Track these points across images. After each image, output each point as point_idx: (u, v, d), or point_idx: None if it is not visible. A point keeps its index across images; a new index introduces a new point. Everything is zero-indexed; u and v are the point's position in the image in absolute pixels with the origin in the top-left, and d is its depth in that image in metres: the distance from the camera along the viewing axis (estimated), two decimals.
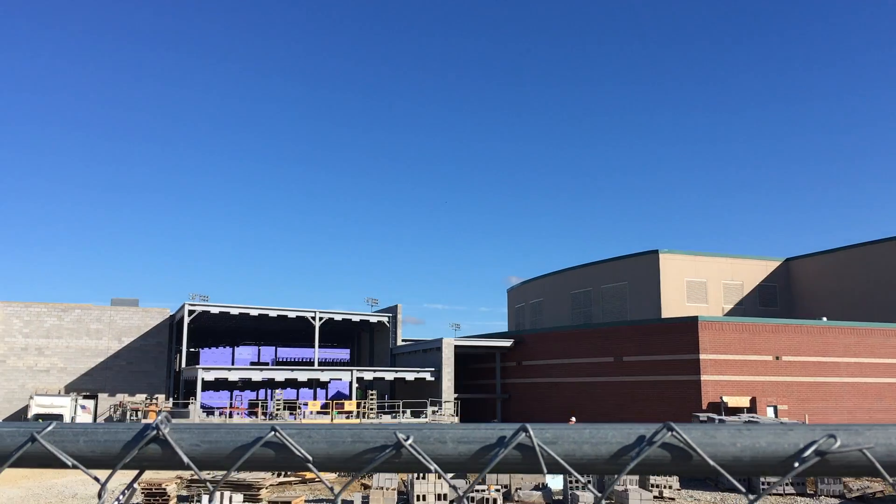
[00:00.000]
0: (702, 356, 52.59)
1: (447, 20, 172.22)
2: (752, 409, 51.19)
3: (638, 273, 67.62)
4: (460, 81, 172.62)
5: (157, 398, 60.60)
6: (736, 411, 48.61)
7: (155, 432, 1.34)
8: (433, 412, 57.02)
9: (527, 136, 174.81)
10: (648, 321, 58.45)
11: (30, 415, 54.80)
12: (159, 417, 1.37)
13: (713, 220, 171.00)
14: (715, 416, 40.56)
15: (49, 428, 1.37)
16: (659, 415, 52.94)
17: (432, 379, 60.39)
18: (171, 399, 61.42)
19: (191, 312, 59.51)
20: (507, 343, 63.59)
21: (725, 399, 51.32)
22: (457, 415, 58.38)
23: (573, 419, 51.13)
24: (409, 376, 60.79)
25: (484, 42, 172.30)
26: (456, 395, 59.92)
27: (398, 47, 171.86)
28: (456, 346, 61.63)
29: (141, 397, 61.19)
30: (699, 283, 67.02)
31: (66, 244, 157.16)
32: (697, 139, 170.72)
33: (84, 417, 58.73)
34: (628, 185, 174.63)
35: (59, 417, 54.76)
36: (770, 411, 52.25)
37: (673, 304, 64.54)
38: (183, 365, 62.96)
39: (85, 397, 60.60)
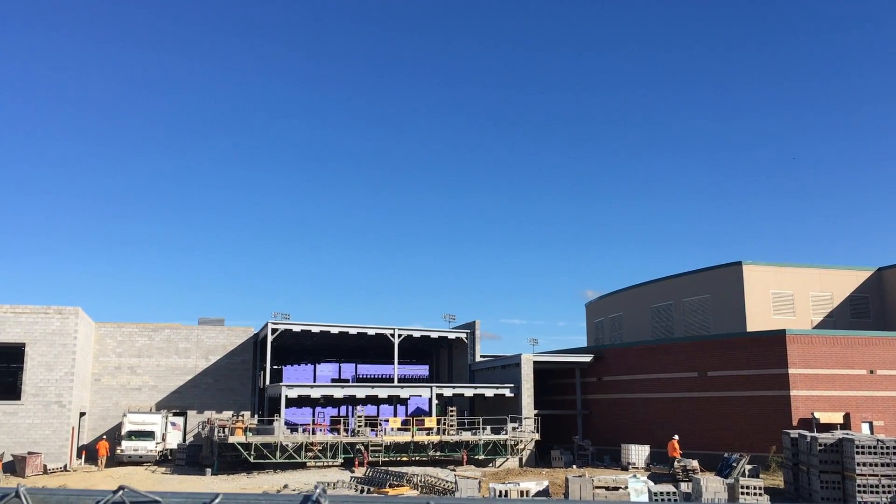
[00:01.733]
0: (790, 371, 50.95)
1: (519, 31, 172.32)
2: (846, 425, 49.26)
3: (721, 285, 66.00)
4: (524, 91, 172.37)
5: (242, 415, 62.07)
6: (829, 428, 46.83)
7: None
8: (513, 428, 56.72)
9: (598, 146, 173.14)
10: (733, 335, 56.97)
11: (123, 431, 56.84)
12: (317, 491, 1.45)
13: (798, 230, 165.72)
14: (806, 432, 39.15)
15: (217, 500, 1.47)
16: (746, 431, 51.49)
17: (512, 395, 60.13)
18: (256, 416, 62.82)
19: (274, 331, 60.85)
20: (587, 358, 62.87)
21: (817, 415, 49.56)
22: (537, 431, 57.94)
23: (675, 439, 49.79)
24: (489, 392, 60.68)
25: (536, 50, 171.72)
26: (536, 412, 59.49)
27: (460, 61, 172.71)
28: (535, 362, 61.27)
29: (228, 414, 62.78)
30: (786, 296, 64.98)
31: (156, 266, 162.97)
32: (780, 145, 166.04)
33: (174, 434, 60.62)
34: (708, 195, 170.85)
35: (150, 434, 56.71)
36: (865, 427, 50.21)
37: (758, 318, 62.74)
38: (267, 382, 64.35)
39: (175, 414, 62.55)
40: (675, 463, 47.33)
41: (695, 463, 47.06)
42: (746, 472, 42.37)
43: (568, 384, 64.67)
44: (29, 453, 49.96)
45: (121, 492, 1.47)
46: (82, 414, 59.56)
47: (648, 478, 42.01)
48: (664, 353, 58.40)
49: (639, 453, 53.76)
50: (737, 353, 53.83)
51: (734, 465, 43.42)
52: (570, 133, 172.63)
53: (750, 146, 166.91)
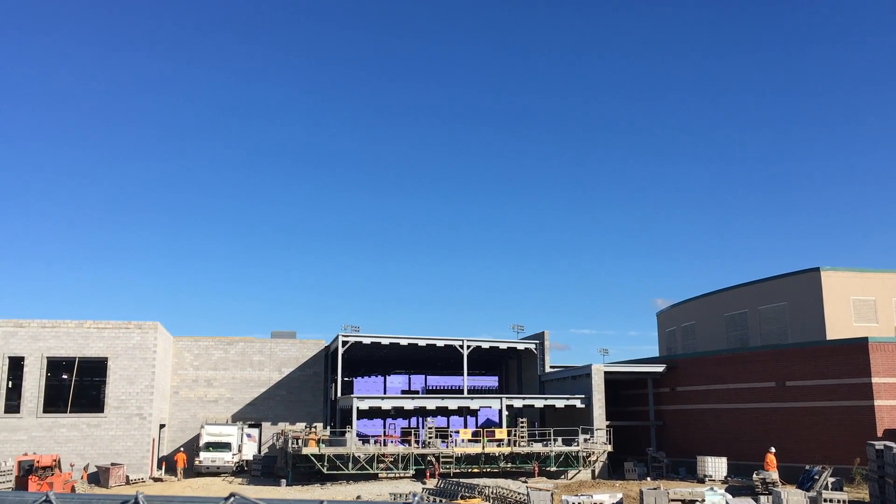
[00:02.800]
0: (874, 380, 49.11)
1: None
2: None
3: (798, 292, 64.07)
4: (572, 94, 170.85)
5: (315, 426, 62.94)
6: None
7: None
8: (585, 440, 56.09)
9: (665, 154, 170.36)
10: (812, 343, 55.23)
11: (201, 443, 58.26)
12: (416, 499, 1.52)
13: (879, 234, 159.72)
14: (893, 444, 37.63)
15: None
16: (828, 443, 49.79)
17: (583, 406, 59.52)
18: (328, 427, 63.64)
19: (344, 343, 61.64)
20: (659, 368, 61.80)
21: None
22: (609, 442, 57.15)
23: (772, 452, 48.23)
24: (559, 403, 60.17)
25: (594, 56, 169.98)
26: (608, 423, 58.71)
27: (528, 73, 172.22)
28: (606, 372, 60.55)
29: (301, 426, 63.77)
30: (867, 302, 62.68)
31: (229, 280, 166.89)
32: (858, 148, 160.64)
33: (250, 445, 61.87)
34: (782, 199, 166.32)
35: (227, 445, 57.99)
36: None
37: (839, 325, 60.65)
38: (338, 394, 65.14)
39: (250, 426, 63.85)
40: (755, 475, 46.02)
41: (775, 475, 45.70)
42: (829, 485, 40.95)
43: (640, 395, 63.65)
44: (112, 464, 51.65)
45: (232, 498, 1.54)
46: (162, 426, 61.29)
47: (726, 490, 40.96)
48: (740, 363, 56.98)
49: (716, 465, 52.48)
50: (817, 362, 52.17)
51: (816, 477, 42.02)
52: (631, 141, 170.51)
53: (826, 150, 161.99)
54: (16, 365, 54.17)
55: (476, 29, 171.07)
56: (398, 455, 52.43)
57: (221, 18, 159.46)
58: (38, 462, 46.03)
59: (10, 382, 54.46)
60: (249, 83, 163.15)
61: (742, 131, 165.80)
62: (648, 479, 53.16)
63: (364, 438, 57.58)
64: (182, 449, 59.80)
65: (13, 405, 53.75)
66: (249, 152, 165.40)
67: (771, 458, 47.48)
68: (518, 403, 60.52)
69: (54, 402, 54.99)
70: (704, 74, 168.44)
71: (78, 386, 55.71)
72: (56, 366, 55.72)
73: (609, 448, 56.63)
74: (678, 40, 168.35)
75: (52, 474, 45.44)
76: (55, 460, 47.46)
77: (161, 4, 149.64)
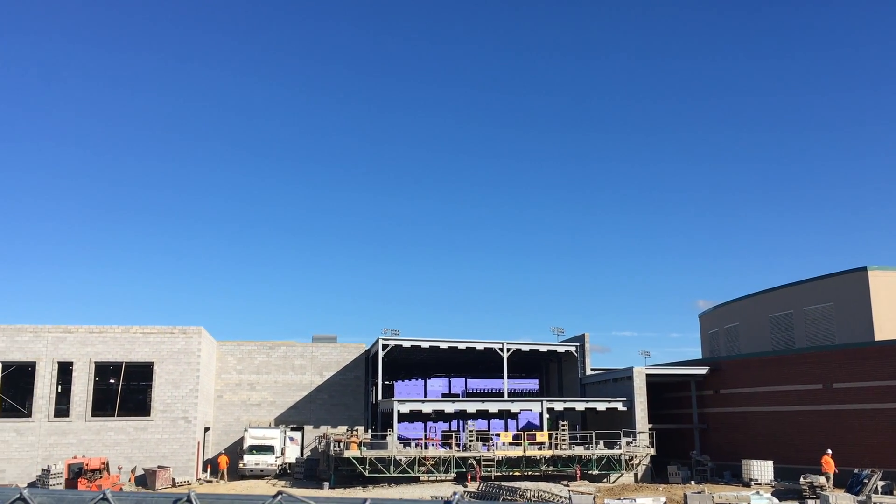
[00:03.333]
0: None
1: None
2: None
3: (845, 293, 62.81)
4: (627, 95, 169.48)
5: (357, 430, 63.33)
6: None
7: None
8: (627, 443, 55.61)
9: (705, 153, 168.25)
10: (860, 344, 54.10)
11: (245, 446, 58.96)
12: (456, 497, 1.57)
13: None
14: None
15: None
16: (877, 446, 48.71)
17: (624, 409, 59.02)
18: (369, 431, 63.99)
19: (384, 347, 61.92)
20: (702, 371, 61.04)
21: None
22: (652, 446, 56.58)
23: (829, 454, 47.34)
24: (601, 406, 59.74)
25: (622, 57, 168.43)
26: (650, 426, 58.14)
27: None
28: (647, 375, 59.96)
29: (342, 429, 64.20)
30: None
31: (270, 284, 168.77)
32: None
33: (292, 448, 62.46)
34: (827, 198, 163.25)
35: (270, 449, 58.59)
36: None
37: (887, 325, 59.33)
38: (379, 397, 65.46)
39: (293, 429, 64.46)
40: (802, 479, 45.19)
41: (822, 479, 44.83)
42: (879, 489, 40.07)
43: (683, 397, 62.91)
44: (159, 467, 52.54)
45: (279, 496, 1.60)
46: (207, 429, 62.17)
47: (772, 494, 40.35)
48: (785, 365, 56.04)
49: (761, 469, 51.66)
50: (865, 363, 51.09)
51: (865, 481, 41.12)
52: (671, 141, 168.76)
53: (873, 146, 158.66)
54: (65, 370, 55.42)
55: (476, 29, 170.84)
56: (439, 458, 52.52)
57: (221, 18, 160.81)
58: (87, 465, 47.05)
59: (60, 387, 55.72)
60: (269, 85, 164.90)
61: (785, 130, 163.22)
62: (692, 482, 52.53)
63: (405, 441, 57.79)
64: (224, 452, 60.62)
65: (63, 409, 54.97)
66: (288, 159, 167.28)
67: (828, 460, 46.54)
68: (559, 406, 60.20)
69: (102, 406, 56.13)
70: (742, 74, 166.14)
71: (125, 390, 56.80)
72: (103, 370, 56.87)
73: (652, 451, 56.06)
74: (718, 39, 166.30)
75: (101, 477, 46.41)
76: (104, 463, 48.46)
77: (159, 3, 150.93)
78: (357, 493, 49.07)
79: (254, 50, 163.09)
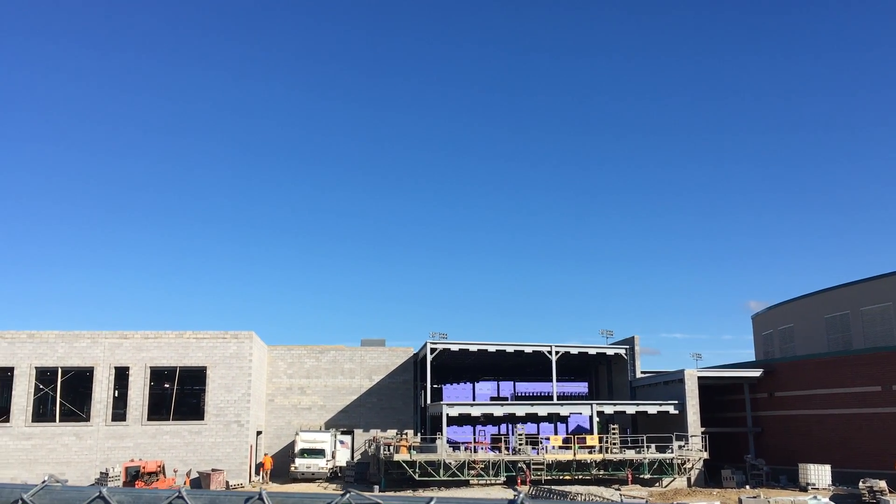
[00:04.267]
0: None
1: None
2: None
3: None
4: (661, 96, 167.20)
5: (406, 433, 63.56)
6: None
7: None
8: (679, 447, 54.82)
9: (759, 152, 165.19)
10: None
11: (296, 449, 59.61)
12: (520, 496, 1.58)
13: None
14: None
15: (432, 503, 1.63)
16: None
17: (676, 412, 58.20)
18: (418, 434, 64.16)
19: (433, 350, 62.07)
20: (756, 373, 59.93)
21: None
22: (705, 449, 55.68)
23: None
24: (652, 409, 59.01)
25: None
26: (703, 429, 57.24)
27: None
28: (699, 377, 59.07)
29: (392, 432, 64.51)
30: None
31: (318, 289, 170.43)
32: None
33: (343, 452, 62.96)
34: (882, 196, 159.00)
35: (321, 452, 59.13)
36: None
37: None
38: (428, 401, 65.65)
39: (343, 433, 64.97)
40: (861, 483, 44.05)
41: (882, 483, 43.63)
42: None
43: (736, 400, 61.81)
44: (213, 470, 53.40)
45: (347, 495, 1.64)
46: (259, 433, 63.00)
47: (830, 499, 39.40)
48: (843, 366, 54.68)
49: (818, 473, 50.47)
50: None
51: None
52: (723, 143, 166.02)
53: None
54: (121, 375, 56.68)
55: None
56: (489, 461, 52.44)
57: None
58: (143, 468, 48.04)
59: (117, 392, 57.01)
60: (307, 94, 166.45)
61: (838, 131, 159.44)
62: (747, 487, 51.59)
63: (454, 445, 57.81)
64: (275, 455, 61.34)
65: (120, 413, 56.23)
66: (340, 167, 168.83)
67: None
68: (609, 410, 59.64)
69: (157, 410, 57.27)
70: (806, 73, 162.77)
71: (179, 394, 57.87)
72: (158, 375, 58.04)
73: (705, 455, 55.19)
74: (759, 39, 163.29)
75: (157, 479, 47.34)
76: (160, 466, 49.42)
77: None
78: (407, 495, 49.24)
79: (283, 54, 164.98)
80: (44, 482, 2.47)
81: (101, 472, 51.05)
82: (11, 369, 55.03)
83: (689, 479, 54.84)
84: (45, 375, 56.20)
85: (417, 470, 51.36)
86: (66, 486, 2.39)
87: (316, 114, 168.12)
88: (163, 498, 2.14)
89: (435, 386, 74.88)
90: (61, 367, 55.78)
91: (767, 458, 56.38)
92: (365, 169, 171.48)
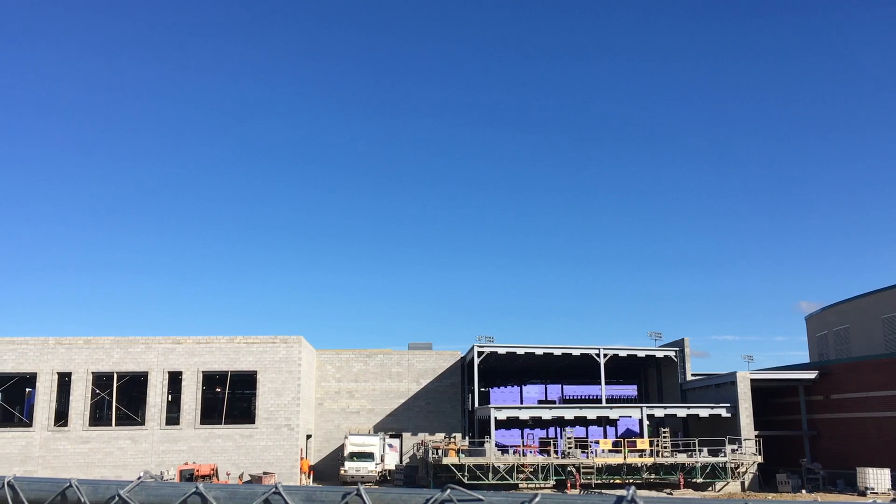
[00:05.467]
0: None
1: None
2: None
3: None
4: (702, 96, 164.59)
5: (454, 437, 63.60)
6: None
7: None
8: (732, 450, 53.93)
9: (805, 151, 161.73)
10: None
11: (345, 453, 60.05)
12: (630, 492, 1.56)
13: None
14: None
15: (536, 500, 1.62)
16: None
17: (728, 415, 57.25)
18: (466, 438, 64.15)
19: (480, 354, 62.01)
20: (811, 375, 58.65)
21: None
22: (759, 453, 54.68)
23: None
24: (703, 413, 58.14)
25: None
26: (756, 433, 56.21)
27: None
28: (752, 380, 58.03)
29: (440, 436, 64.60)
30: None
31: (367, 293, 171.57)
32: None
33: (391, 455, 63.23)
34: None
35: (370, 455, 59.48)
36: None
37: None
38: (475, 404, 65.60)
39: (391, 436, 65.26)
40: None
41: None
42: None
43: (790, 403, 60.58)
44: (264, 473, 54.06)
45: (448, 491, 1.65)
46: (308, 436, 63.60)
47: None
48: None
49: (878, 477, 49.20)
50: None
51: None
52: (766, 141, 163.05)
53: None
54: (174, 379, 57.72)
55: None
56: (537, 465, 52.20)
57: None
58: (197, 471, 48.83)
59: (170, 396, 58.07)
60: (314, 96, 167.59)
61: (894, 126, 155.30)
62: (803, 491, 50.54)
63: (502, 448, 57.67)
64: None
65: (173, 417, 57.26)
66: (384, 172, 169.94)
67: None
68: (659, 413, 58.92)
69: (210, 413, 58.18)
70: (862, 71, 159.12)
71: (230, 398, 58.72)
72: (210, 379, 58.95)
73: (759, 459, 54.19)
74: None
75: (211, 482, 48.04)
76: (213, 469, 50.20)
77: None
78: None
79: (294, 58, 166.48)
80: (139, 478, 2.52)
81: (156, 475, 51.97)
82: (69, 374, 56.43)
83: (742, 484, 53.90)
84: (101, 380, 57.51)
85: (466, 473, 51.34)
86: (162, 483, 2.43)
87: (362, 121, 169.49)
88: (259, 493, 2.17)
89: (482, 389, 74.83)
90: (117, 372, 57.00)
91: (824, 462, 55.13)
92: (414, 174, 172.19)
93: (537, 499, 1.72)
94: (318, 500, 2.16)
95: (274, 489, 2.14)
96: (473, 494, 1.85)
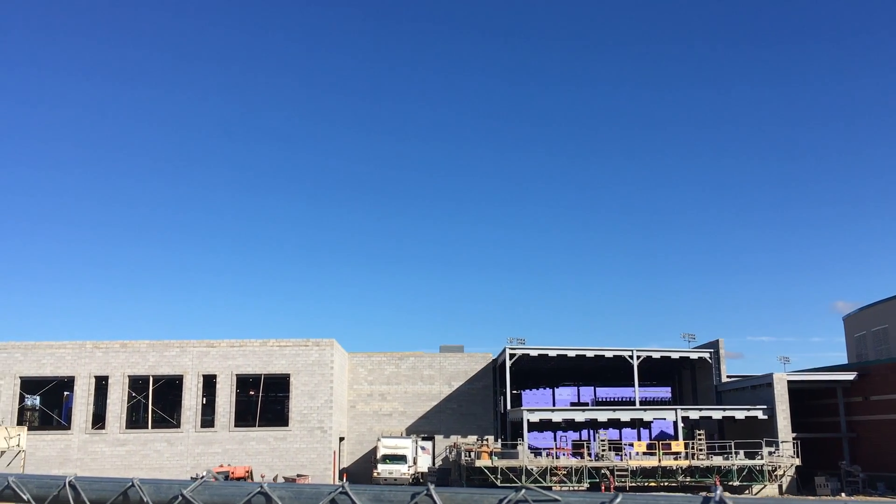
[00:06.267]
0: None
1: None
2: None
3: None
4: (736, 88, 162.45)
5: (486, 439, 63.40)
6: None
7: None
8: (769, 453, 53.17)
9: (838, 150, 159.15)
10: None
11: (378, 455, 60.16)
12: (718, 492, 1.50)
13: None
14: None
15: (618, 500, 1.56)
16: None
17: (765, 417, 56.46)
18: (499, 440, 63.95)
19: (511, 356, 61.80)
20: (850, 376, 57.65)
21: None
22: (797, 456, 53.84)
23: None
24: (739, 414, 57.39)
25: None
26: (794, 435, 55.36)
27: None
28: (789, 382, 57.19)
29: (472, 438, 64.45)
30: None
31: (397, 296, 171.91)
32: None
33: (424, 458, 63.23)
34: None
35: (403, 458, 59.52)
36: None
37: None
38: (507, 407, 65.37)
39: (423, 438, 65.27)
40: None
41: None
42: None
43: (828, 405, 59.59)
44: (298, 475, 54.33)
45: (523, 491, 1.60)
46: (341, 439, 63.83)
47: None
48: None
49: None
50: None
51: None
52: (798, 138, 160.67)
53: None
54: (209, 382, 58.26)
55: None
56: (571, 468, 51.87)
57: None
58: (232, 473, 49.22)
59: (205, 399, 58.61)
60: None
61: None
62: (843, 494, 49.68)
63: (535, 451, 57.41)
64: (357, 460, 62.10)
65: (208, 420, 57.79)
66: (415, 174, 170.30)
67: None
68: (694, 415, 58.28)
69: (243, 416, 58.63)
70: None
71: (264, 401, 59.12)
72: (244, 382, 59.40)
73: (797, 461, 53.37)
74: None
75: None
76: (248, 471, 50.57)
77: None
78: None
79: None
80: (202, 477, 2.51)
81: (192, 477, 52.44)
82: (106, 378, 57.20)
83: (780, 487, 53.10)
84: (137, 383, 58.25)
85: (499, 476, 51.16)
86: (224, 482, 2.41)
87: (391, 124, 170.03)
88: (325, 493, 2.13)
89: (514, 392, 74.66)
90: (152, 376, 57.66)
91: (863, 465, 54.14)
92: (442, 176, 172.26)
93: (619, 499, 1.66)
94: (386, 500, 2.12)
95: (340, 489, 2.11)
96: (549, 494, 1.80)
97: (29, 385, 58.58)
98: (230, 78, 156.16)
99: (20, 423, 56.24)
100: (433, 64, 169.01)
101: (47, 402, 60.97)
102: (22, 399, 57.94)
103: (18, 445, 47.57)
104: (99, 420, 57.19)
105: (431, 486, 1.96)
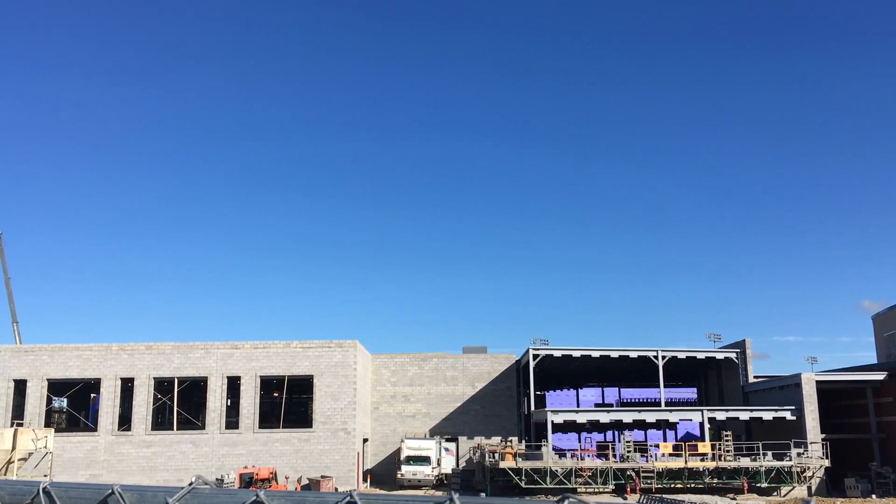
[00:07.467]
0: None
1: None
2: None
3: None
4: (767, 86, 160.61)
5: (510, 440, 63.06)
6: None
7: None
8: (798, 454, 52.37)
9: (862, 147, 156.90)
10: None
11: (402, 456, 60.05)
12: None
13: None
14: None
15: None
16: None
17: (793, 418, 55.65)
18: (522, 441, 63.58)
19: (535, 357, 61.44)
20: (880, 376, 56.67)
21: None
22: (826, 457, 52.99)
23: None
24: (767, 415, 56.60)
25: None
26: (823, 436, 54.51)
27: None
28: (818, 382, 56.31)
29: (496, 440, 64.18)
30: None
31: (419, 296, 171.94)
32: None
33: (448, 459, 63.05)
34: None
35: (427, 459, 59.37)
36: None
37: None
38: (532, 408, 65.02)
39: (447, 440, 65.08)
40: None
41: None
42: None
43: (858, 405, 58.62)
44: (322, 477, 54.35)
45: (567, 500, 1.41)
46: (365, 440, 63.79)
47: None
48: None
49: None
50: None
51: None
52: (815, 137, 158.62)
53: None
54: (233, 384, 58.47)
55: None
56: (596, 469, 51.44)
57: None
58: (257, 474, 49.34)
59: (230, 400, 58.82)
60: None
61: None
62: (873, 496, 48.83)
63: (560, 452, 57.02)
64: (382, 462, 61.99)
65: (233, 421, 57.99)
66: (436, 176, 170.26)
67: None
68: (721, 416, 57.58)
69: (267, 418, 58.75)
70: None
71: (288, 403, 59.21)
72: (268, 384, 59.55)
73: (826, 463, 52.54)
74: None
75: (270, 486, 48.50)
76: (272, 472, 50.65)
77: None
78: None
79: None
80: (191, 484, 2.33)
81: (217, 479, 52.65)
82: (132, 380, 57.61)
83: (809, 489, 52.32)
84: (162, 385, 58.60)
85: (524, 478, 50.85)
86: (216, 490, 2.24)
87: (407, 124, 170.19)
88: (330, 502, 1.96)
89: (538, 393, 74.19)
90: (177, 378, 57.97)
91: (894, 466, 53.19)
92: (465, 175, 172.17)
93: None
94: None
95: (348, 497, 1.93)
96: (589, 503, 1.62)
97: (56, 387, 59.11)
98: (230, 78, 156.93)
99: (48, 424, 56.74)
100: (433, 64, 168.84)
101: (74, 404, 61.48)
102: (49, 401, 58.48)
103: (46, 447, 47.93)
104: (125, 422, 57.58)
105: (455, 495, 1.78)
